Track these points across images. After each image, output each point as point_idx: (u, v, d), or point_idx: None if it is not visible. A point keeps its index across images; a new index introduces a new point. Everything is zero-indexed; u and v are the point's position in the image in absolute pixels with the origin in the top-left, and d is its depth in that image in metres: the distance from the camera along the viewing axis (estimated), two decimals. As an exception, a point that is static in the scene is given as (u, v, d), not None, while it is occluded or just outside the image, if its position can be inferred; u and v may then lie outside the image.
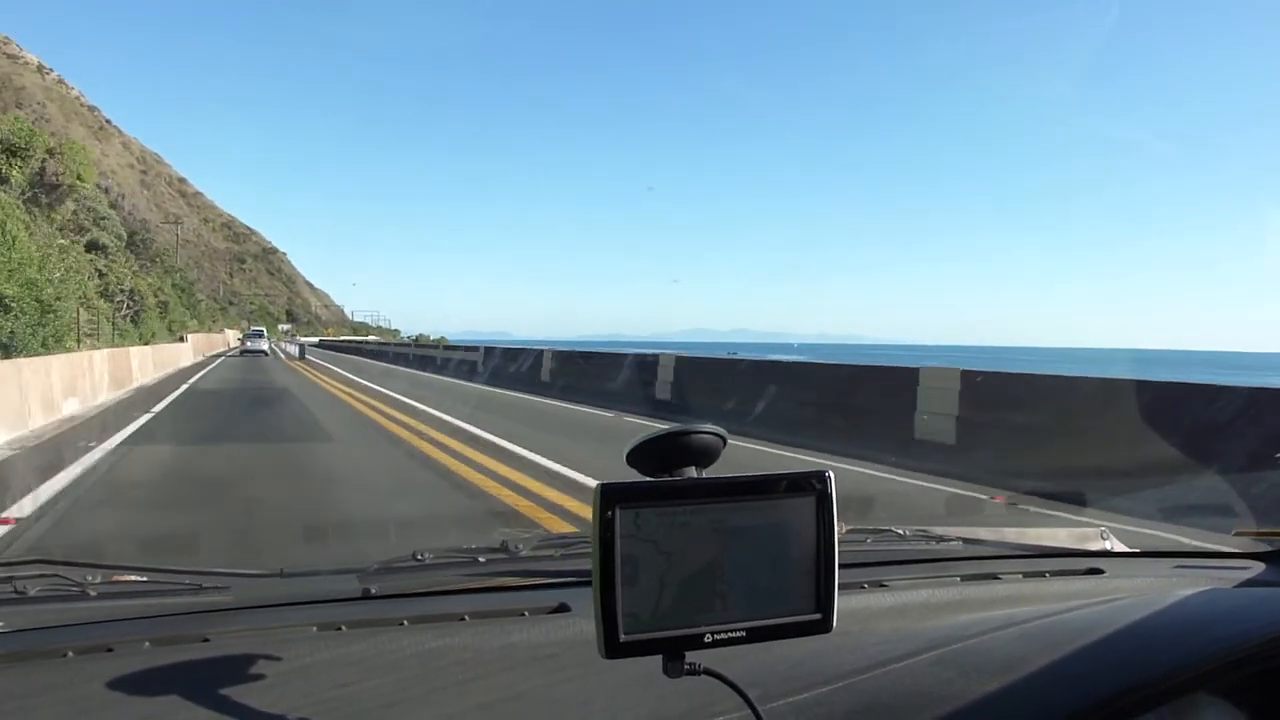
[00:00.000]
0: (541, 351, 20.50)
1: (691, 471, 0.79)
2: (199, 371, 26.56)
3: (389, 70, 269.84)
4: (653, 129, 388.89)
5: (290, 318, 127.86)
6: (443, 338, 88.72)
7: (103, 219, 39.99)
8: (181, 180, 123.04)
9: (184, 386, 19.40)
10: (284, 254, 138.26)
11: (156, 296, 40.68)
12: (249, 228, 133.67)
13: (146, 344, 29.69)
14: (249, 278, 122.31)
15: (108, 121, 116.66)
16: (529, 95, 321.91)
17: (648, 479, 0.77)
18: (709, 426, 0.80)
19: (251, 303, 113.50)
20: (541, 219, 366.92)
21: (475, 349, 27.11)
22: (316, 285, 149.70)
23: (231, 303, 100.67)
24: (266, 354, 45.31)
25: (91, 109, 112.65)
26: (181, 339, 38.71)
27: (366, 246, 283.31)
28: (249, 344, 49.23)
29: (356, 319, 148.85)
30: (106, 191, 54.21)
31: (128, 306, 33.51)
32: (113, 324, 28.73)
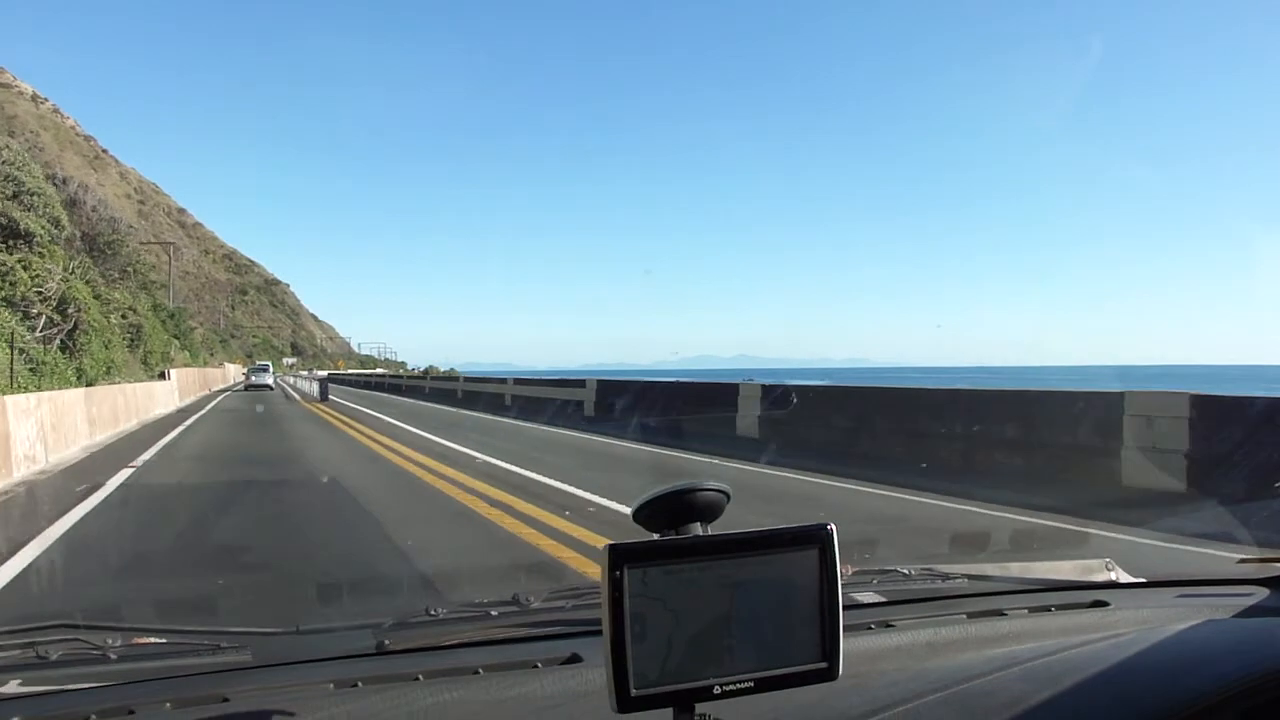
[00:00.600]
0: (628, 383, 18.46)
1: (697, 528, 0.81)
2: (174, 428, 16.23)
3: (391, 103, 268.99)
4: (651, 162, 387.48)
5: (295, 350, 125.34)
6: (453, 369, 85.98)
7: (30, 193, 24.08)
8: (181, 211, 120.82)
9: (114, 480, 8.76)
10: (287, 286, 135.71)
11: (125, 318, 30.36)
12: (250, 260, 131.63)
13: (89, 382, 19.13)
14: (251, 310, 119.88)
15: (104, 151, 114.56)
16: (528, 126, 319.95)
17: (654, 537, 0.80)
18: (713, 484, 0.82)
19: (254, 335, 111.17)
20: (538, 248, 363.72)
21: (504, 381, 25.21)
22: (320, 317, 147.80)
23: (233, 335, 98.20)
24: (272, 388, 44.69)
25: (87, 138, 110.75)
26: (163, 375, 29.39)
27: (368, 278, 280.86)
28: (253, 378, 49.01)
29: (363, 351, 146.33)
30: (63, 184, 41.78)
31: (50, 324, 19.91)
32: (11, 349, 15.76)
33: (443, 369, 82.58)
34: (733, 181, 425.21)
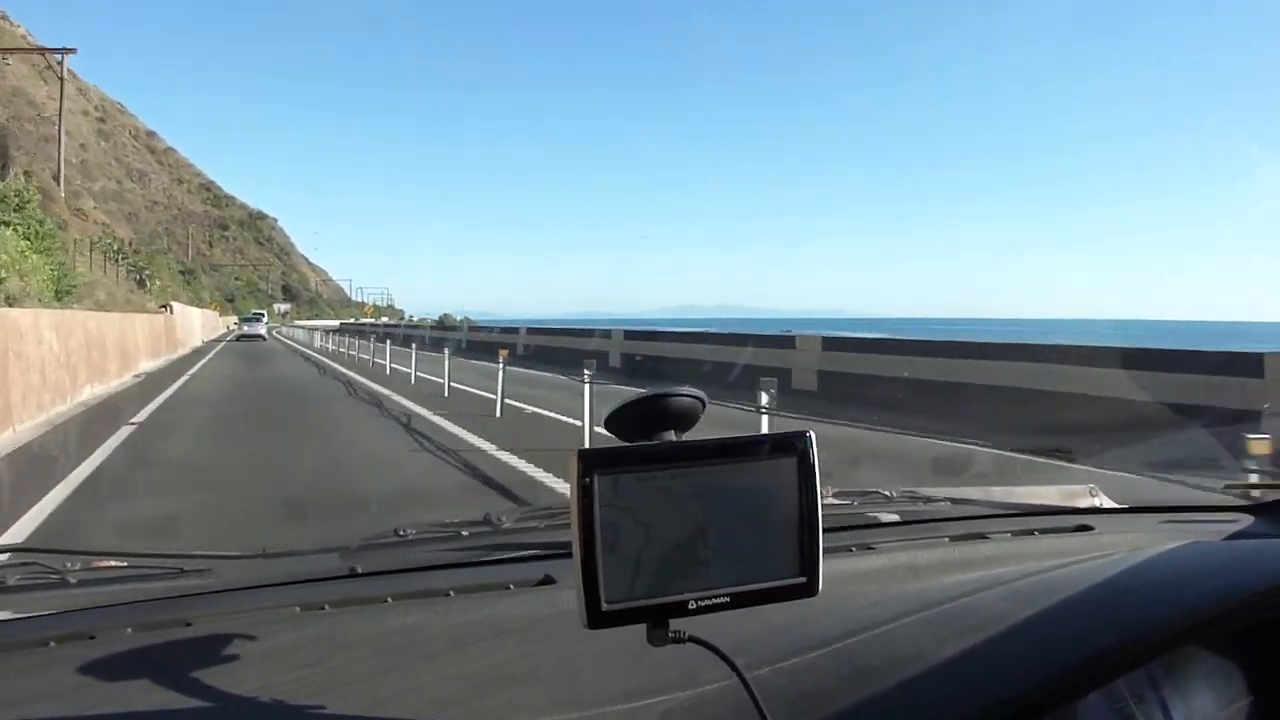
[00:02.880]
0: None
1: (671, 436, 0.78)
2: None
3: (374, 33, 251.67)
4: (642, 103, 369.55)
5: (288, 295, 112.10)
6: (466, 318, 77.55)
7: None
8: (151, 134, 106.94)
9: None
10: (274, 220, 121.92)
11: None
12: (232, 195, 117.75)
13: None
14: (233, 248, 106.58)
15: (59, 62, 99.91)
16: (514, 63, 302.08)
17: (625, 444, 0.77)
18: (687, 389, 0.79)
19: (236, 276, 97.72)
20: (518, 191, 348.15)
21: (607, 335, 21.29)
22: (311, 260, 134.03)
23: (207, 272, 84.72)
24: (264, 338, 43.57)
25: (41, 51, 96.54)
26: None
27: (358, 218, 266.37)
28: (245, 328, 48.38)
29: (365, 298, 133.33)
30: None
31: None
32: None
33: (458, 318, 76.46)
34: (716, 120, 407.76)
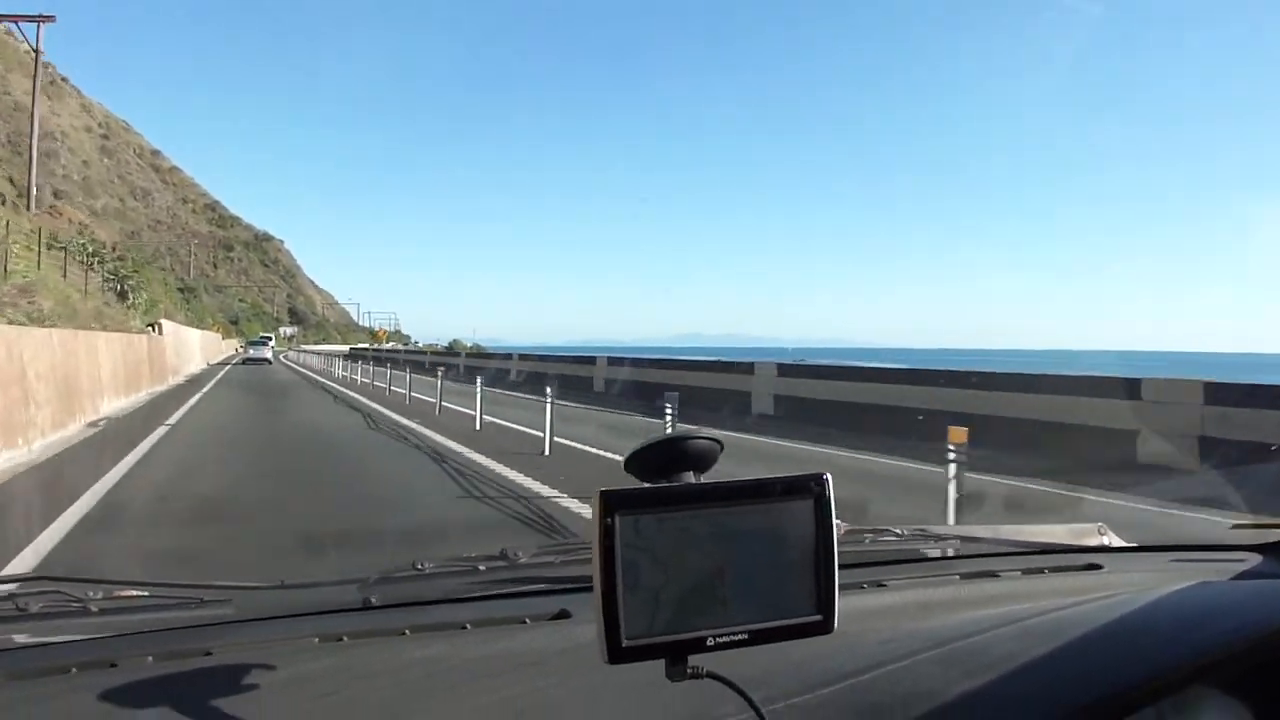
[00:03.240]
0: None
1: (690, 477, 0.80)
2: None
3: (383, 63, 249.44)
4: (641, 124, 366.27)
5: (294, 318, 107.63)
6: (476, 345, 75.11)
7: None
8: (155, 153, 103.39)
9: None
10: (280, 242, 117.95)
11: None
12: (237, 215, 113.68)
13: None
14: (238, 269, 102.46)
15: (62, 79, 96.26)
16: (513, 100, 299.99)
17: (647, 485, 0.79)
18: (706, 432, 0.82)
19: (241, 298, 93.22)
20: (520, 216, 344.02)
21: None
22: (318, 284, 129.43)
23: (210, 293, 79.99)
24: (270, 361, 44.12)
25: (44, 64, 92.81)
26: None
27: (367, 244, 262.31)
28: (251, 352, 48.55)
29: (372, 322, 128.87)
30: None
31: None
32: None
33: (466, 343, 76.05)
34: (721, 151, 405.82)
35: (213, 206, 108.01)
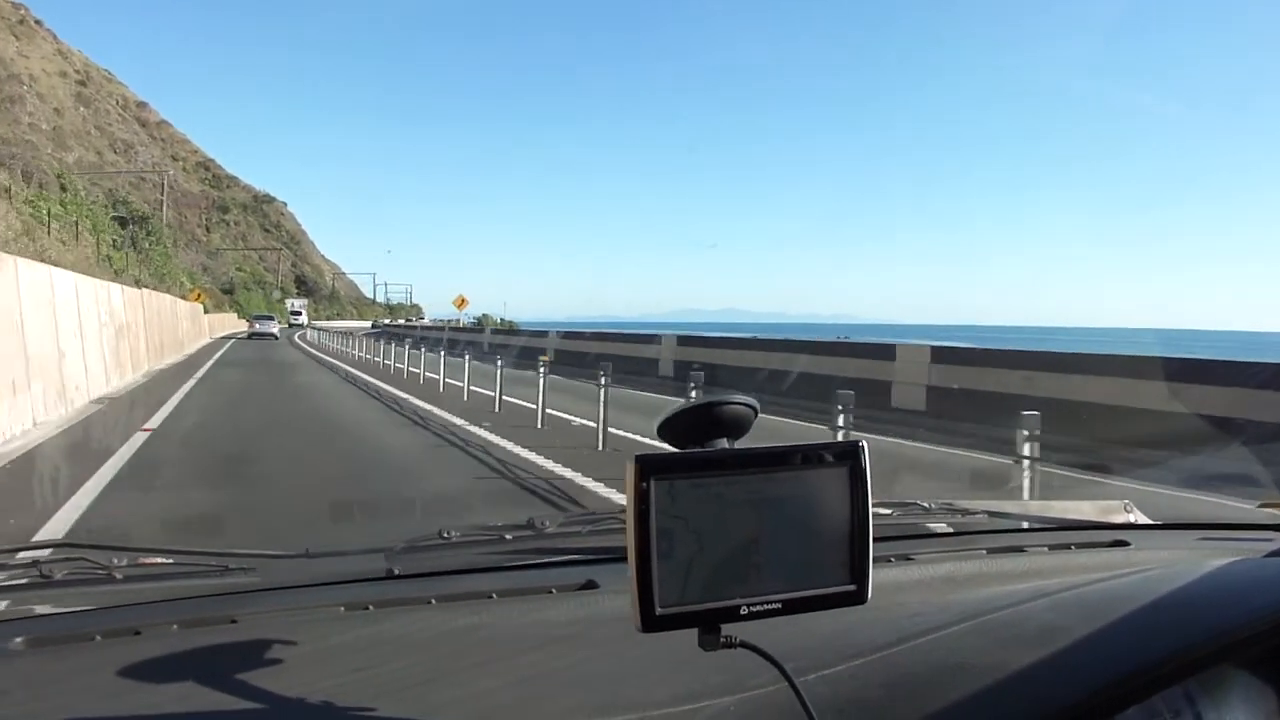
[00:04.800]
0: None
1: (724, 443, 0.79)
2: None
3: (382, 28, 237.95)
4: (648, 105, 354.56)
5: (303, 289, 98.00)
6: (509, 321, 71.78)
7: None
8: (141, 105, 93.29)
9: None
10: (283, 204, 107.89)
11: None
12: (234, 175, 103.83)
13: None
14: (235, 233, 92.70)
15: (36, 22, 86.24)
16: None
17: (682, 450, 0.78)
18: (740, 397, 0.80)
19: (239, 266, 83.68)
20: (527, 191, 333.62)
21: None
22: (325, 254, 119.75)
23: (204, 263, 70.32)
24: (276, 336, 43.63)
25: (15, 4, 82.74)
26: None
27: (374, 212, 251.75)
28: (258, 326, 47.40)
29: (387, 295, 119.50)
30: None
31: None
32: None
33: (496, 320, 69.90)
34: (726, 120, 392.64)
35: (206, 165, 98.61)
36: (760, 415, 0.82)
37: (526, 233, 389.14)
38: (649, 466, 0.72)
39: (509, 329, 47.67)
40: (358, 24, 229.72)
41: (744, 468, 0.76)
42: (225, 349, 32.57)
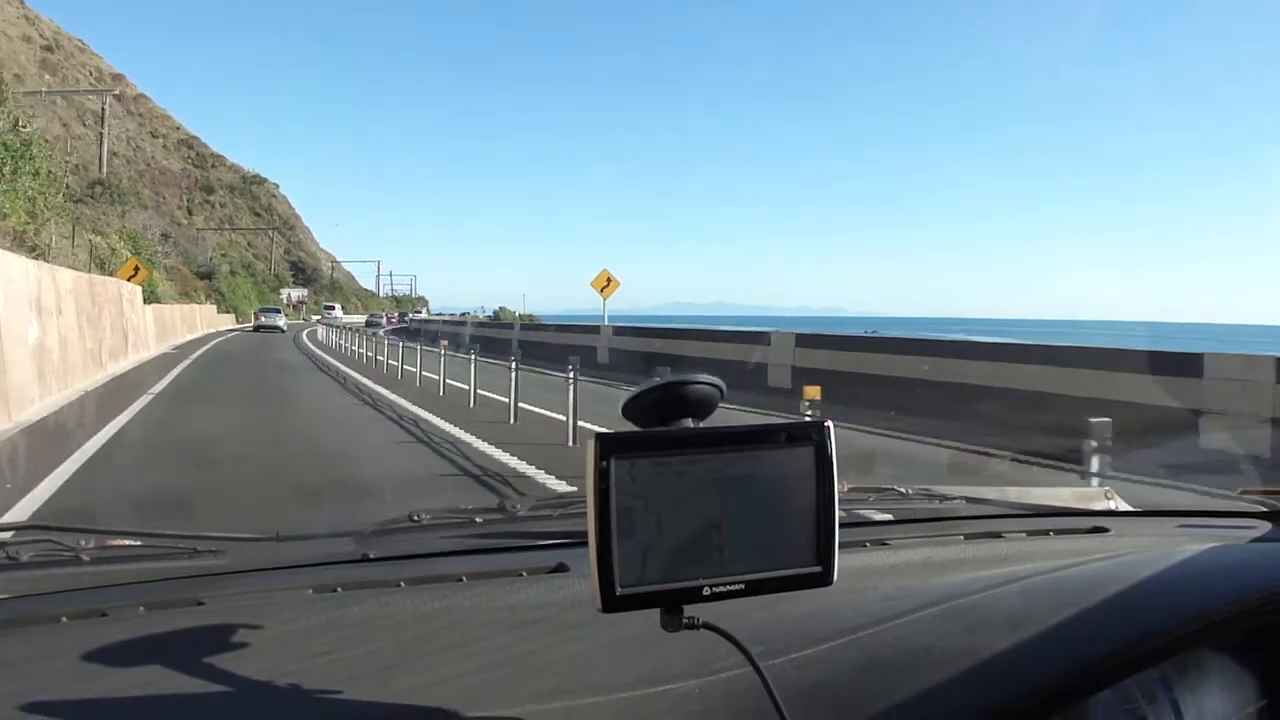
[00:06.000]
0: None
1: (688, 423, 0.79)
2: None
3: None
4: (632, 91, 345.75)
5: (300, 278, 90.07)
6: (532, 315, 68.96)
7: None
8: (118, 77, 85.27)
9: None
10: (275, 186, 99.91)
11: None
12: (220, 154, 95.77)
13: None
14: (221, 215, 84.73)
15: (-6, -18, 77.99)
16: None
17: (643, 429, 0.78)
18: (705, 377, 0.80)
19: (224, 252, 75.70)
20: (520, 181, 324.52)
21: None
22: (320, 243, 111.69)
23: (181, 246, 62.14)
24: (283, 330, 41.34)
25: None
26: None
27: (365, 199, 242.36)
28: (264, 319, 46.62)
29: (392, 286, 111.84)
30: None
31: None
32: None
33: (514, 313, 67.50)
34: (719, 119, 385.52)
35: (189, 143, 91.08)
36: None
37: (525, 224, 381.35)
38: (609, 445, 0.72)
39: (531, 323, 44.73)
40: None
41: (706, 447, 0.76)
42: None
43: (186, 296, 47.00)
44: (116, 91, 70.74)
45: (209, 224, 77.78)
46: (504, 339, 26.51)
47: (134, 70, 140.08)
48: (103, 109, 52.99)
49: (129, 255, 31.07)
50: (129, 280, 24.34)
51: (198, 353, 26.18)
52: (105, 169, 47.09)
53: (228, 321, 53.54)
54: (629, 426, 0.79)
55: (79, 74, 78.90)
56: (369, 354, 23.05)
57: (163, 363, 21.42)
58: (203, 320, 43.13)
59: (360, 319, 59.50)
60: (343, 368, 21.04)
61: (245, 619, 0.99)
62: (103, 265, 30.08)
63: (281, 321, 47.19)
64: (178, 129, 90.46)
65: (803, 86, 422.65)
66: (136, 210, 48.83)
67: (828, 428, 0.79)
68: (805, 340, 15.52)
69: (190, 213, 78.44)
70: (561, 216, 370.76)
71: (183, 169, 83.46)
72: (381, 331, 31.82)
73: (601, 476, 0.71)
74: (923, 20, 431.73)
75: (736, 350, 17.44)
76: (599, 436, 0.72)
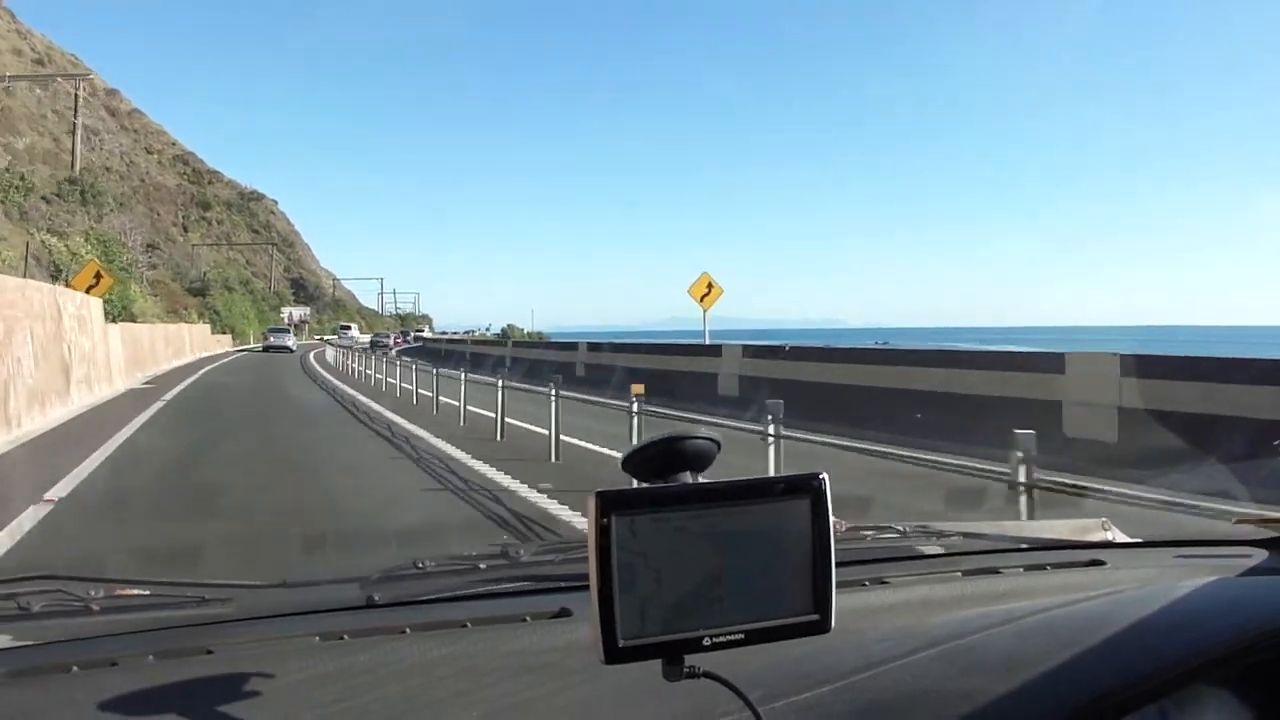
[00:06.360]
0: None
1: (687, 477, 0.81)
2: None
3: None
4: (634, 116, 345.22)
5: (302, 295, 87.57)
6: (540, 333, 66.71)
7: None
8: (112, 93, 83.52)
9: None
10: (274, 202, 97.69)
11: None
12: (216, 170, 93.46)
13: None
14: (218, 233, 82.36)
15: (-10, -2, 76.54)
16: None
17: (644, 486, 0.80)
18: (704, 432, 0.83)
19: (222, 269, 73.11)
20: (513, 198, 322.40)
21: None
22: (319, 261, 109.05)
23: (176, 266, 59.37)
24: (292, 349, 40.00)
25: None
26: None
27: (362, 218, 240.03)
28: (272, 339, 46.12)
29: (396, 304, 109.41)
30: None
31: None
32: None
33: (521, 331, 64.35)
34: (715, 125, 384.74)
35: (185, 159, 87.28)
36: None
37: (528, 240, 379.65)
38: (609, 502, 0.74)
39: (538, 341, 44.00)
40: (361, 19, 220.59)
41: (705, 502, 0.78)
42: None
43: (175, 315, 42.91)
44: (89, 76, 67.84)
45: (205, 240, 75.32)
46: (565, 361, 23.49)
47: (129, 86, 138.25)
48: (75, 96, 49.86)
49: (89, 252, 25.17)
50: (88, 292, 18.81)
51: (177, 389, 19.55)
52: (78, 164, 43.87)
53: (224, 343, 48.83)
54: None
55: (70, 88, 76.82)
56: (402, 385, 18.33)
57: (114, 413, 14.44)
58: (194, 342, 37.02)
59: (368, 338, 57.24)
60: (392, 416, 14.28)
61: (254, 667, 1.00)
62: (58, 274, 24.34)
63: (290, 341, 46.73)
64: (173, 144, 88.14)
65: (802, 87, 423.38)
66: (116, 215, 45.50)
67: (823, 479, 0.81)
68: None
69: (186, 229, 75.92)
70: (562, 230, 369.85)
71: (178, 185, 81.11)
72: (393, 352, 27.88)
73: (603, 533, 0.73)
74: (916, 23, 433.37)
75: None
76: (599, 494, 0.74)
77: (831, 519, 0.80)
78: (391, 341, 52.19)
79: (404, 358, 22.60)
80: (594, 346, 23.97)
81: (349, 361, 27.25)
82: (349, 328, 61.81)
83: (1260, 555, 1.42)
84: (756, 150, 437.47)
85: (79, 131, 48.55)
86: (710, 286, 19.34)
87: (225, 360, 35.04)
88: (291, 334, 49.74)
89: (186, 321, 41.80)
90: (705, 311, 19.35)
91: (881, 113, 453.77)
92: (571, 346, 25.87)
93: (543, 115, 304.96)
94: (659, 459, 0.81)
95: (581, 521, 6.65)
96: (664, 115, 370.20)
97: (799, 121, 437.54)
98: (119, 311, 23.55)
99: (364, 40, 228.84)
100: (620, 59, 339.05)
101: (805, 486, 0.80)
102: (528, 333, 66.78)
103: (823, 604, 0.80)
